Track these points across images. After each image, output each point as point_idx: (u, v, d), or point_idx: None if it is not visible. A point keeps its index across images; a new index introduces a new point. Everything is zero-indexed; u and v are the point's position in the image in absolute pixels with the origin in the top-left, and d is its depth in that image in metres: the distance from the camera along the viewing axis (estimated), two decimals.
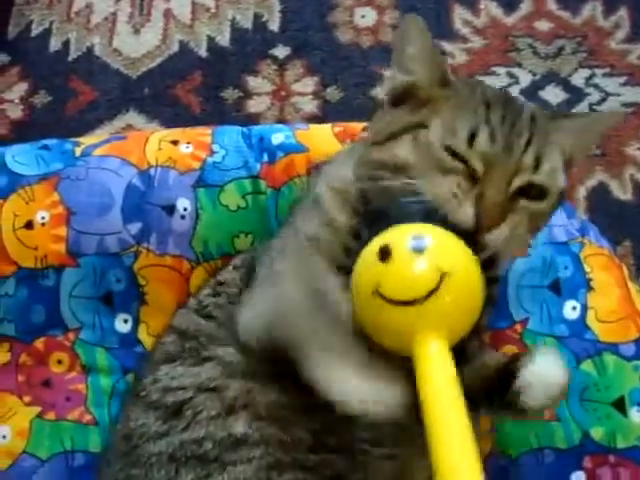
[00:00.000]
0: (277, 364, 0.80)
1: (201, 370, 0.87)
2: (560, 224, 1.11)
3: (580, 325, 1.05)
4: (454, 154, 0.79)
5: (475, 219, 0.75)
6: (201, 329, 0.92)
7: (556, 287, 1.07)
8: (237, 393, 0.83)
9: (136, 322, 1.09)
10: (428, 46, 0.85)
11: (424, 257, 0.65)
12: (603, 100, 1.51)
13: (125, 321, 1.09)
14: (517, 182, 0.79)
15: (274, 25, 1.62)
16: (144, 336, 1.09)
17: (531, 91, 1.53)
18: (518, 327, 1.06)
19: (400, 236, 0.68)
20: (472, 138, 0.79)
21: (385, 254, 0.65)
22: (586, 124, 0.87)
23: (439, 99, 0.84)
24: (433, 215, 0.74)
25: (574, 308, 1.06)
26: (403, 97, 0.87)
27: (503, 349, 1.05)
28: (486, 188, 0.77)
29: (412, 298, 0.64)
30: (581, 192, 1.43)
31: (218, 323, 0.92)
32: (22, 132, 1.54)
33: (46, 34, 1.64)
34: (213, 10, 1.65)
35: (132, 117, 1.53)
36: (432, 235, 0.67)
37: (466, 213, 0.76)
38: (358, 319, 0.68)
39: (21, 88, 1.59)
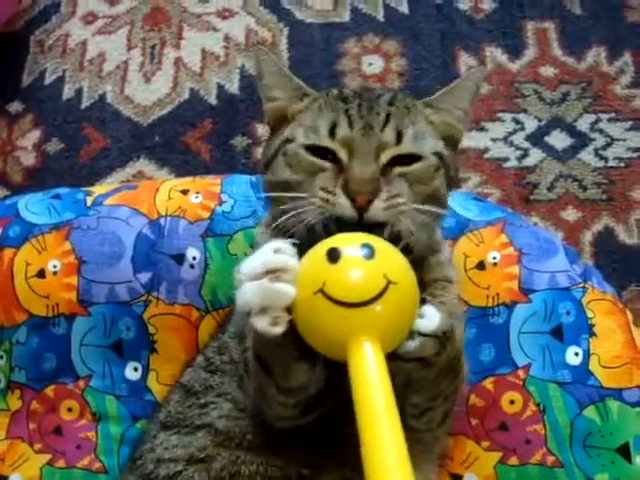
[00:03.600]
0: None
1: (192, 439, 0.91)
2: (562, 270, 1.12)
3: (583, 371, 1.06)
4: (319, 151, 0.85)
5: (351, 204, 0.80)
6: (204, 384, 0.96)
7: (558, 333, 1.08)
8: (224, 463, 0.87)
9: (146, 370, 1.12)
10: (276, 70, 0.92)
11: (372, 264, 0.68)
12: (608, 145, 1.55)
13: (135, 369, 1.12)
14: (384, 157, 0.83)
15: None
16: (154, 384, 1.12)
17: (537, 136, 1.57)
18: (520, 373, 1.07)
19: (350, 242, 0.70)
20: (333, 130, 0.85)
21: (334, 256, 0.68)
22: (449, 92, 0.92)
23: (301, 111, 0.91)
24: (328, 221, 0.80)
25: (576, 354, 1.07)
26: (278, 123, 0.93)
27: (505, 396, 1.07)
28: (351, 170, 0.82)
29: (356, 300, 0.66)
30: (587, 237, 1.46)
31: (223, 373, 0.95)
32: (35, 179, 1.58)
33: (59, 82, 1.69)
34: (222, 58, 1.70)
35: (143, 164, 1.57)
36: (380, 245, 0.70)
37: (342, 203, 0.80)
38: (295, 319, 0.69)
39: (34, 135, 1.63)
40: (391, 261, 0.70)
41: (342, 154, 0.84)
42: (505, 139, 1.56)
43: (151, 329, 1.11)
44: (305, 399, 0.81)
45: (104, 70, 1.70)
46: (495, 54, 1.67)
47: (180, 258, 1.12)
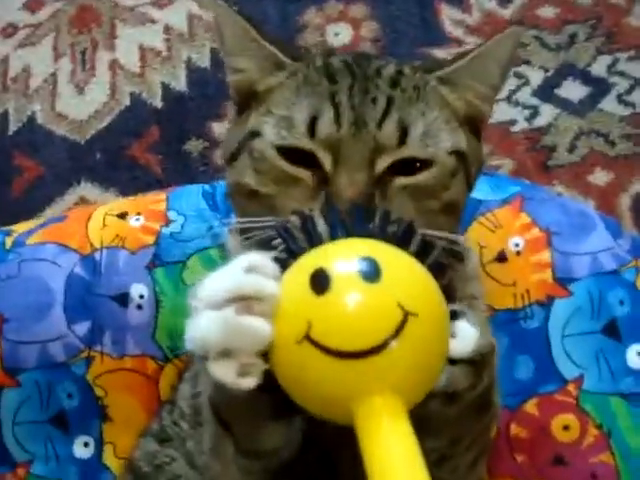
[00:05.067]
0: None
1: None
2: (605, 248, 1.01)
3: None
4: (295, 154, 0.71)
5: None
6: (153, 461, 0.88)
7: (613, 330, 0.98)
8: None
9: (99, 444, 1.02)
10: (240, 31, 0.77)
11: (379, 287, 0.51)
12: (632, 88, 1.46)
13: (85, 445, 1.02)
14: (381, 163, 0.70)
15: None
16: (111, 460, 1.02)
17: (546, 90, 1.48)
18: (571, 388, 0.97)
19: (342, 256, 0.54)
20: (314, 124, 0.71)
21: (321, 283, 0.52)
22: (471, 62, 0.78)
23: (273, 89, 0.77)
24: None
25: None
26: (246, 101, 0.79)
27: (556, 420, 0.96)
28: (336, 184, 0.69)
29: (361, 348, 0.50)
30: (624, 201, 1.37)
31: (174, 443, 0.87)
32: None
33: None
34: (164, 53, 1.60)
35: (85, 189, 1.47)
36: (387, 256, 0.54)
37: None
38: (276, 376, 0.54)
39: None
40: (406, 279, 0.54)
41: (325, 159, 0.70)
42: (508, 98, 1.47)
43: (99, 392, 1.01)
44: (277, 464, 0.67)
45: (30, 87, 1.60)
46: (482, 1, 1.59)
47: (124, 298, 1.02)
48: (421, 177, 0.72)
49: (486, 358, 0.60)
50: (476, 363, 0.59)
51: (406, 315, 0.51)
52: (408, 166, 0.72)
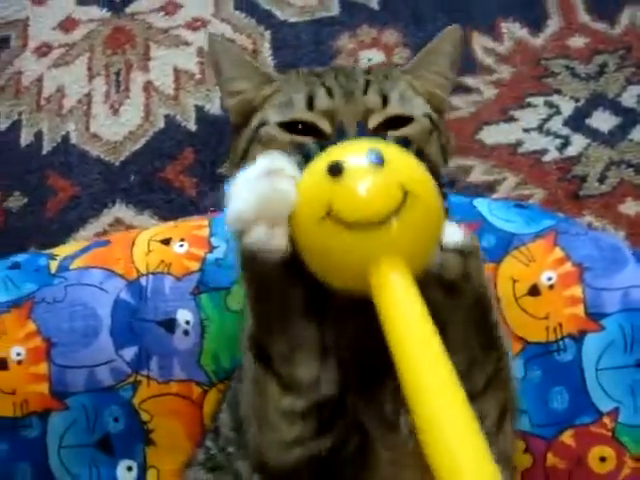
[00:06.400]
0: None
1: None
2: (636, 284, 1.01)
3: None
4: (297, 129, 0.83)
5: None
6: None
7: None
8: None
9: (143, 468, 1.02)
10: (237, 59, 0.91)
11: (385, 171, 0.63)
12: None
13: (129, 469, 1.02)
14: (374, 121, 0.83)
15: None
16: None
17: (577, 120, 1.47)
18: (607, 421, 0.96)
19: (352, 150, 0.66)
20: (311, 102, 0.83)
21: (336, 169, 0.63)
22: (424, 57, 0.93)
23: (270, 95, 0.88)
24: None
25: None
26: (246, 118, 0.89)
27: (593, 452, 0.96)
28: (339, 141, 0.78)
29: (371, 219, 0.62)
30: None
31: (225, 470, 0.87)
32: None
33: (16, 127, 1.60)
34: (198, 76, 1.60)
35: (120, 210, 1.48)
36: (390, 149, 0.66)
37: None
38: (303, 255, 0.65)
39: None
40: (407, 167, 0.65)
41: (324, 125, 0.82)
42: (540, 128, 1.47)
43: (144, 416, 1.01)
44: (316, 406, 0.72)
45: (65, 107, 1.60)
46: (514, 30, 1.58)
47: (170, 324, 1.03)
48: (406, 130, 0.83)
49: (473, 252, 0.69)
50: (464, 254, 0.68)
51: (406, 194, 0.61)
52: (394, 125, 0.83)
